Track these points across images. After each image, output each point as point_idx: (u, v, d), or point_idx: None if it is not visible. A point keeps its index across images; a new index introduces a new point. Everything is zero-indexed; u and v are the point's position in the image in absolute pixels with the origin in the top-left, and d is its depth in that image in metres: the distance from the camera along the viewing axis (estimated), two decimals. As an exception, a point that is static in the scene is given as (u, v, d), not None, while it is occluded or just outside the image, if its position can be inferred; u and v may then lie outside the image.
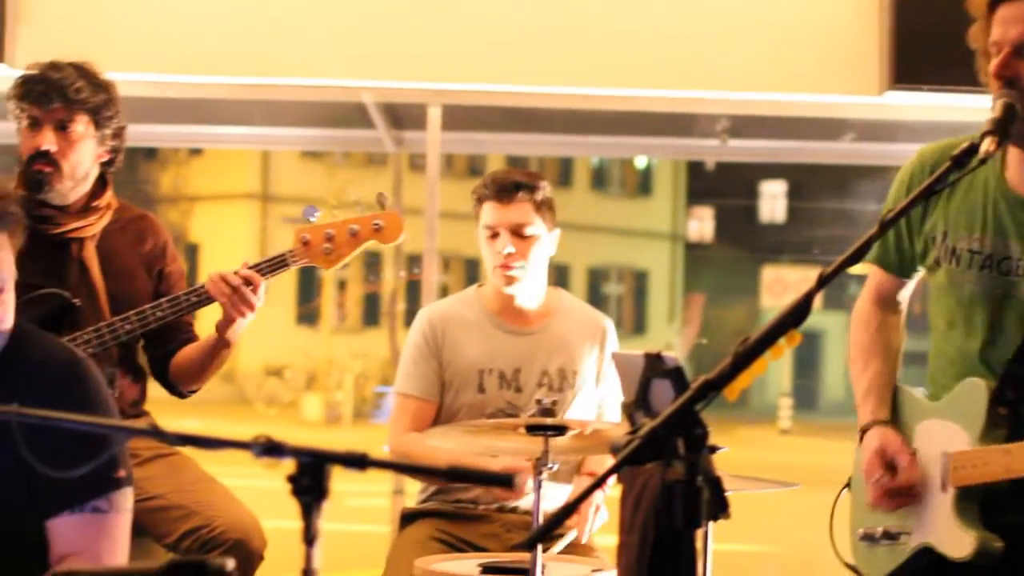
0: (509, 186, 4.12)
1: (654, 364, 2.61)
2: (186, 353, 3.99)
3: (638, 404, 2.67)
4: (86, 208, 3.92)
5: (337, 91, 5.94)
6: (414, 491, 4.46)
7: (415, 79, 5.51)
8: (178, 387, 4.03)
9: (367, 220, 3.96)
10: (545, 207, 4.16)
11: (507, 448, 3.72)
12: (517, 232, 4.11)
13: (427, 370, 4.19)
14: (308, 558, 2.01)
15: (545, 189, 4.17)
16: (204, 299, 3.81)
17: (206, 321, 3.97)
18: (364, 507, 9.47)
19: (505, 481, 1.97)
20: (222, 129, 7.20)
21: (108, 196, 3.97)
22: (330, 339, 26.53)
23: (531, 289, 4.19)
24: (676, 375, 2.56)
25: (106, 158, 3.95)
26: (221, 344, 3.88)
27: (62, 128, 3.83)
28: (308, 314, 26.57)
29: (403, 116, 6.56)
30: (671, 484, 2.35)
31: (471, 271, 23.57)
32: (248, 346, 25.92)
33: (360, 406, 23.99)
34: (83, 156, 3.87)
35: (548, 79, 5.52)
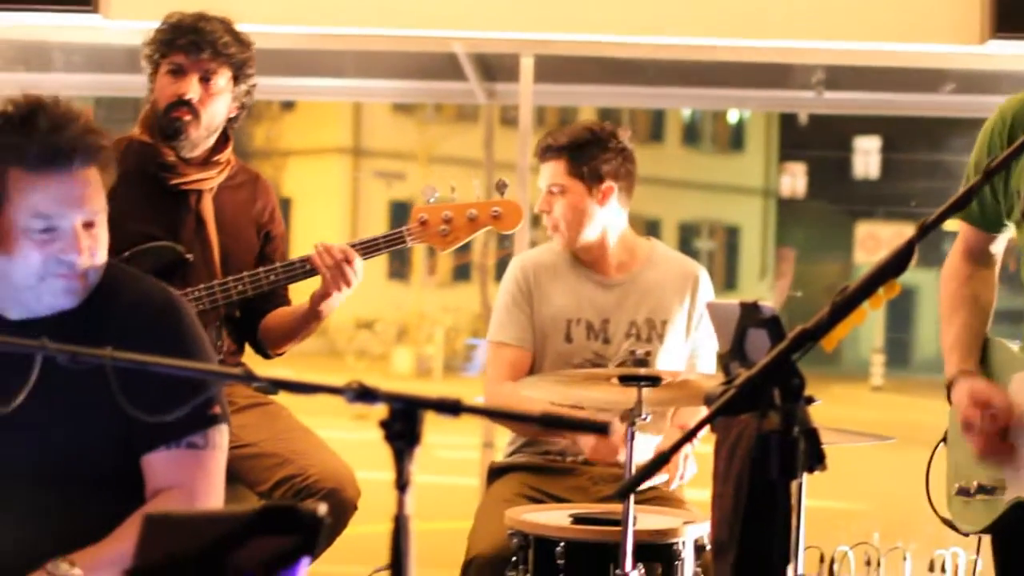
0: (542, 147, 4.18)
1: (750, 313, 2.58)
2: (277, 316, 4.00)
3: (733, 354, 2.65)
4: (207, 161, 3.94)
5: (428, 41, 5.92)
6: (504, 444, 4.46)
7: (507, 29, 5.47)
8: (265, 348, 4.05)
9: (486, 206, 3.95)
10: (578, 167, 4.13)
11: (599, 399, 3.69)
12: (551, 191, 4.14)
13: (521, 318, 4.17)
14: (400, 504, 2.00)
15: (590, 149, 4.13)
16: (317, 265, 3.83)
17: (300, 289, 3.97)
18: (454, 459, 9.50)
19: (600, 428, 1.94)
20: (313, 81, 7.22)
21: (228, 152, 4.00)
22: (421, 293, 26.58)
23: (582, 240, 4.17)
24: (772, 324, 2.53)
25: (234, 114, 3.97)
26: (312, 315, 3.89)
27: (205, 79, 3.85)
28: (399, 268, 26.62)
29: (495, 67, 6.53)
30: (767, 434, 2.32)
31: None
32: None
33: (450, 359, 24.04)
34: (219, 109, 3.90)
35: (642, 29, 5.46)
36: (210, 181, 3.94)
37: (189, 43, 3.85)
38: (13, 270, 2.74)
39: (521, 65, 5.53)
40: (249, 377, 2.18)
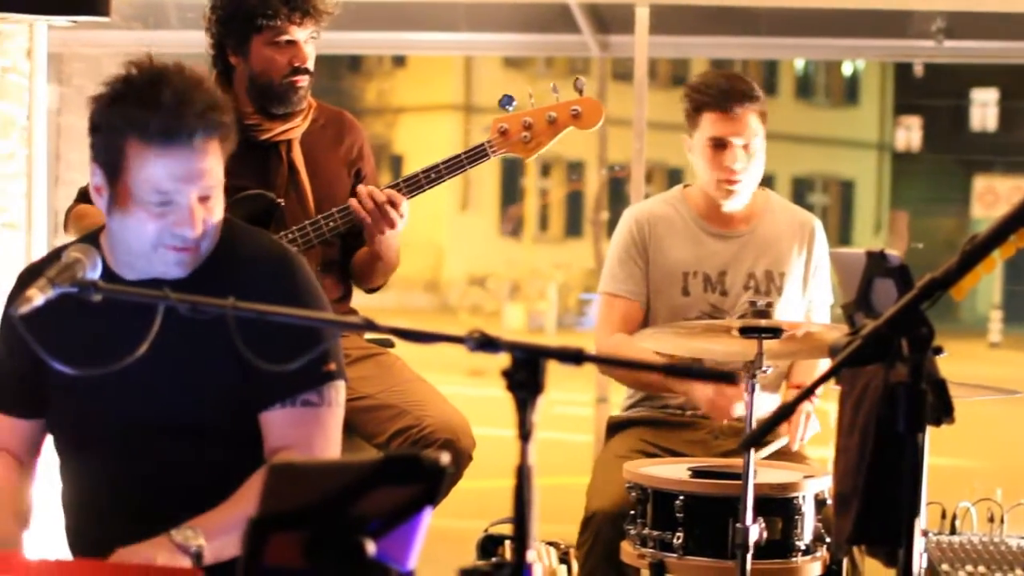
0: (738, 95, 3.98)
1: (877, 262, 2.53)
2: (359, 255, 4.00)
3: (859, 304, 2.59)
4: (289, 111, 3.94)
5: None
6: (619, 400, 4.42)
7: (622, -21, 5.42)
8: (359, 284, 4.06)
9: (565, 106, 3.89)
10: (765, 116, 4.05)
11: (718, 351, 3.65)
12: (745, 145, 4.00)
13: (634, 270, 4.12)
14: (523, 453, 1.99)
15: (762, 96, 4.05)
16: (357, 212, 3.81)
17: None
18: (569, 415, 9.50)
19: (726, 377, 1.91)
20: (425, 35, 7.20)
21: (308, 97, 3.98)
22: (533, 249, 26.62)
23: (745, 198, 4.09)
24: (900, 273, 2.48)
25: None
26: (375, 256, 3.89)
27: (307, 42, 3.86)
28: (511, 224, 26.68)
29: (608, 19, 6.48)
30: (894, 386, 2.28)
31: (674, 182, 23.39)
32: (452, 255, 26.18)
33: (563, 315, 24.06)
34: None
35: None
36: (296, 129, 3.93)
37: (297, 13, 3.83)
38: (128, 234, 2.74)
39: (636, 16, 5.45)
40: (370, 326, 2.17)
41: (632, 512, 3.60)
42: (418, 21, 6.92)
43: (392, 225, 3.77)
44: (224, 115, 2.72)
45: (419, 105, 26.66)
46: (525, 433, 1.99)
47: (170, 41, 6.30)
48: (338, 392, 2.85)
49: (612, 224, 4.93)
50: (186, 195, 2.69)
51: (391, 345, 4.05)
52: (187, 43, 6.18)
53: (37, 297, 2.37)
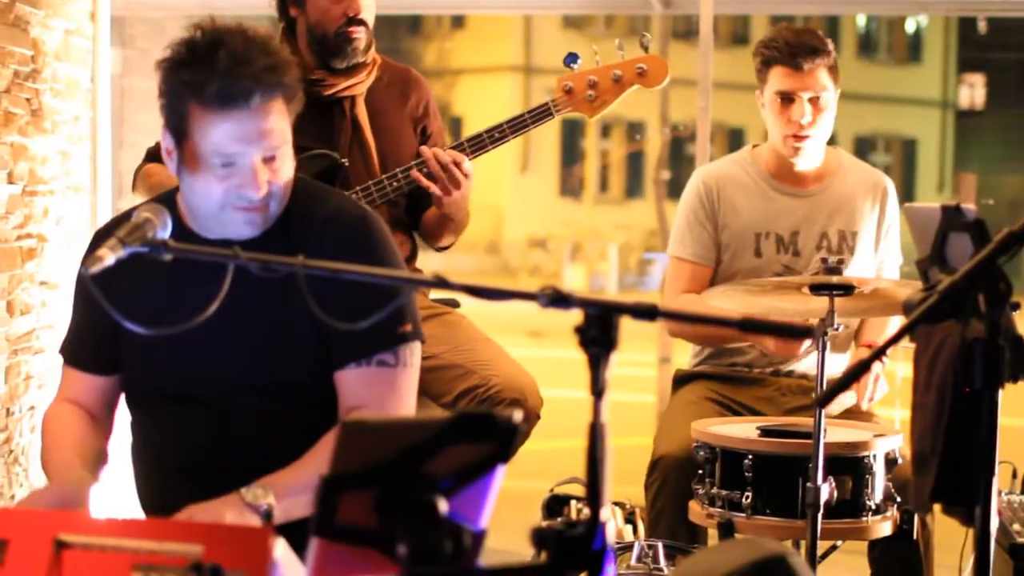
0: (806, 49, 3.92)
1: (953, 217, 2.48)
2: (428, 213, 3.99)
3: (933, 259, 2.55)
4: (353, 66, 3.91)
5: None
6: (682, 361, 4.40)
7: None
8: (428, 242, 4.04)
9: (630, 64, 3.85)
10: (836, 70, 3.99)
11: (789, 308, 3.61)
12: (813, 100, 3.94)
13: (702, 233, 4.08)
14: (596, 411, 1.96)
15: (832, 50, 3.99)
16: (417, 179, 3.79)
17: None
18: (631, 376, 9.48)
19: (803, 332, 1.88)
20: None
21: (372, 52, 3.95)
22: (593, 210, 26.55)
23: (817, 156, 4.04)
24: (977, 228, 2.43)
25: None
26: (444, 218, 3.87)
27: None
28: (571, 186, 26.61)
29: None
30: (971, 342, 2.24)
31: (734, 142, 23.23)
32: (512, 217, 26.13)
33: (624, 276, 24.02)
34: (373, 14, 3.89)
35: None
36: (360, 85, 3.91)
37: None
38: (196, 196, 2.75)
39: (701, -28, 5.39)
40: (442, 283, 2.15)
41: (700, 471, 3.57)
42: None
43: (458, 186, 3.75)
44: (285, 74, 2.70)
45: (478, 66, 26.60)
46: (598, 390, 1.96)
47: (231, 3, 6.29)
48: (413, 353, 2.84)
49: (673, 184, 4.87)
50: (249, 156, 2.68)
51: (456, 304, 4.04)
52: (248, 5, 6.18)
53: (108, 256, 2.36)
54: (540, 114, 3.82)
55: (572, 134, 26.36)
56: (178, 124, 2.71)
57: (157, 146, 3.86)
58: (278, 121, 2.70)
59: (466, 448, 1.92)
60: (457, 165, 3.74)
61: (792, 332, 1.95)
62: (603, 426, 1.97)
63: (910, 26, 30.85)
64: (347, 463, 1.88)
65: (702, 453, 3.54)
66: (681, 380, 4.16)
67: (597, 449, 1.97)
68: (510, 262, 24.72)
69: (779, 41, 3.95)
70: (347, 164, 3.82)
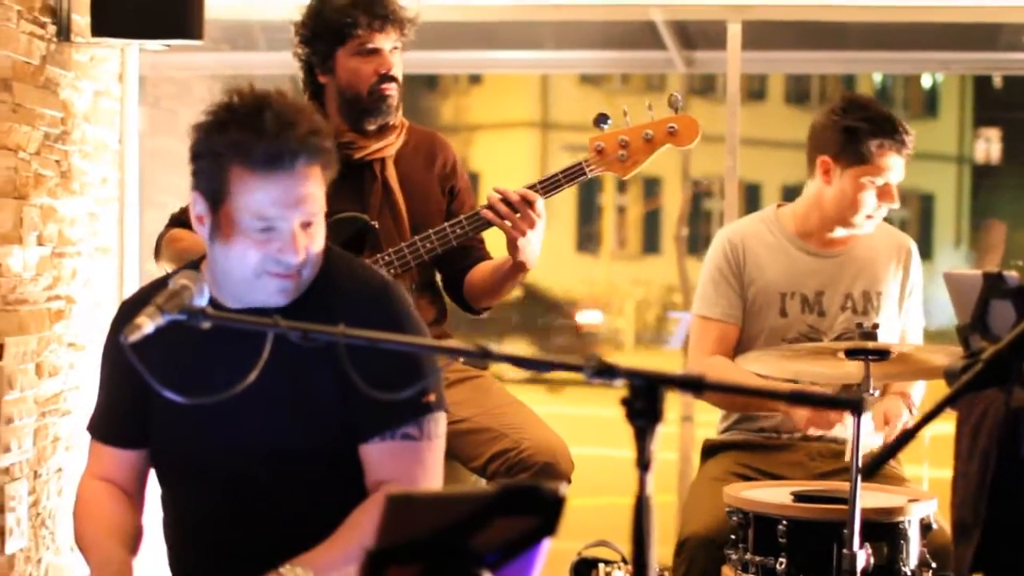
0: (906, 135, 3.96)
1: (995, 284, 2.47)
2: (480, 271, 3.96)
3: (975, 326, 2.54)
4: (383, 128, 3.92)
5: (626, 10, 5.84)
6: (703, 419, 4.38)
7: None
8: (472, 305, 4.01)
9: (661, 124, 3.86)
10: None
11: (819, 373, 3.59)
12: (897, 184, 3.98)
13: (728, 291, 4.07)
14: (642, 484, 1.95)
15: None
16: (490, 217, 3.77)
17: (495, 239, 3.93)
18: (652, 433, 9.42)
19: (854, 405, 1.86)
20: (504, 54, 7.18)
21: (400, 115, 3.96)
22: (610, 265, 26.52)
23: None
24: (1019, 295, 2.42)
25: None
26: (517, 267, 3.83)
27: (391, 50, 3.85)
28: (588, 240, 26.59)
29: (695, 35, 6.42)
30: (1016, 411, 2.23)
31: (751, 197, 23.24)
32: (530, 273, 26.08)
33: (641, 332, 23.95)
34: (401, 73, 3.90)
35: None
36: (390, 147, 3.92)
37: (382, 18, 3.82)
38: (231, 263, 2.73)
39: (728, 32, 5.39)
40: (486, 354, 2.14)
41: (733, 537, 3.54)
42: (496, 39, 6.91)
43: (531, 225, 3.71)
44: (325, 140, 2.71)
45: (495, 122, 26.65)
46: (644, 463, 1.95)
47: (258, 63, 6.32)
48: (438, 424, 2.82)
49: (692, 240, 4.86)
50: (289, 221, 2.68)
51: (486, 367, 4.02)
52: (274, 64, 6.20)
53: (147, 324, 2.36)
54: (573, 174, 3.82)
55: (589, 189, 26.40)
56: (216, 188, 2.70)
57: (181, 212, 3.88)
58: (316, 187, 2.71)
59: (512, 521, 1.91)
60: (528, 204, 3.72)
61: (843, 405, 1.93)
62: (649, 499, 1.96)
63: (926, 81, 30.90)
64: (393, 537, 1.86)
65: (735, 518, 3.52)
66: (709, 451, 4.12)
67: (644, 522, 1.96)
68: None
69: (886, 122, 3.95)
70: (377, 226, 3.82)
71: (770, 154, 24.36)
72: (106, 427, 2.95)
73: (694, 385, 1.96)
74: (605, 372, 1.99)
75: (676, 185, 22.83)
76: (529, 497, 1.90)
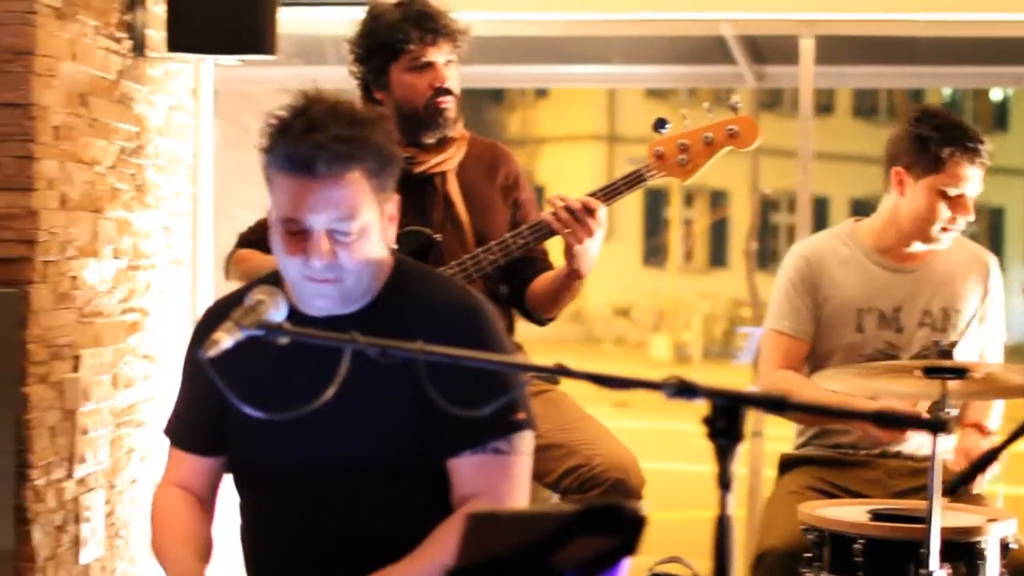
0: (981, 146, 3.93)
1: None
2: (541, 281, 3.93)
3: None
4: (442, 141, 3.91)
5: (696, 25, 5.83)
6: (772, 433, 4.34)
7: (784, 10, 5.35)
8: (535, 315, 4.00)
9: (721, 126, 3.82)
10: None
11: (896, 391, 3.56)
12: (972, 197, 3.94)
13: (801, 307, 4.03)
14: (723, 503, 1.94)
15: None
16: (552, 224, 3.75)
17: (557, 250, 3.92)
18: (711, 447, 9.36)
19: (939, 426, 1.84)
20: (572, 68, 7.19)
21: (460, 127, 3.96)
22: (677, 279, 26.47)
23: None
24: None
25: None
26: (572, 274, 3.81)
27: (446, 63, 3.85)
28: (654, 253, 26.57)
29: (765, 49, 6.40)
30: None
31: (819, 211, 23.11)
32: (596, 286, 26.10)
33: (709, 346, 23.87)
34: (458, 85, 3.90)
35: (923, 6, 5.29)
36: (451, 160, 3.90)
37: (433, 31, 3.81)
38: (281, 266, 2.74)
39: (800, 47, 5.36)
40: (564, 371, 2.13)
41: (808, 555, 3.51)
42: (566, 54, 6.91)
43: (590, 233, 3.69)
44: (359, 145, 2.65)
45: (561, 135, 26.70)
46: (725, 482, 1.94)
47: (329, 76, 6.34)
48: (526, 441, 2.81)
49: (761, 255, 4.82)
50: (310, 225, 2.65)
51: (556, 382, 4.01)
52: (346, 78, 6.24)
53: (225, 340, 2.36)
54: (633, 180, 3.79)
55: (656, 202, 26.35)
56: (271, 194, 2.72)
57: (249, 231, 3.90)
58: (352, 195, 2.65)
59: (592, 540, 1.90)
60: (590, 212, 3.69)
61: (929, 426, 1.91)
62: (729, 519, 1.95)
63: (995, 95, 30.63)
64: (473, 555, 1.85)
65: (811, 536, 3.49)
66: (786, 465, 4.09)
67: (725, 541, 1.94)
68: (594, 331, 24.65)
69: (963, 133, 3.91)
70: (440, 240, 3.82)
71: (838, 168, 24.20)
72: (184, 433, 2.96)
73: (777, 405, 1.94)
74: (685, 391, 1.98)
75: (743, 198, 22.72)
76: (611, 516, 1.89)
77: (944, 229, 3.94)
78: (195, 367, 2.88)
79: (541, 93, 26.61)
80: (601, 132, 27.16)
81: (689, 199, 27.46)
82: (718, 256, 26.89)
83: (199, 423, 2.92)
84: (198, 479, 2.93)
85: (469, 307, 2.83)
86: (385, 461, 2.77)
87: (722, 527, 1.94)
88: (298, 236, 2.66)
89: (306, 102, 2.67)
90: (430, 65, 3.83)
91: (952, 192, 3.91)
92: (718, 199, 26.73)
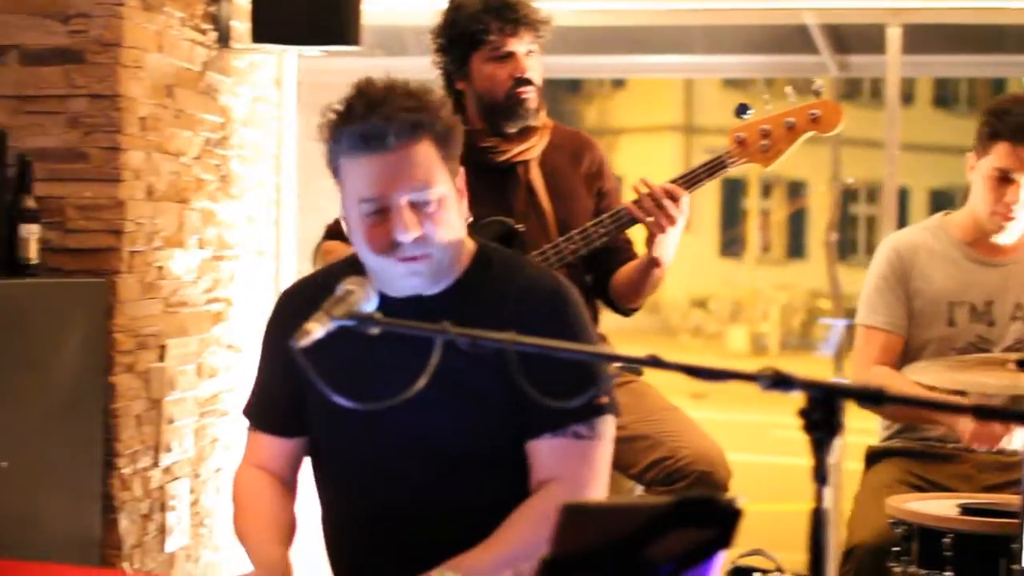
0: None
1: None
2: (624, 271, 3.91)
3: None
4: (524, 131, 3.90)
5: (779, 14, 5.78)
6: (853, 426, 4.29)
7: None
8: (619, 305, 3.98)
9: (803, 111, 3.78)
10: None
11: (989, 384, 3.51)
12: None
13: (893, 301, 3.99)
14: (819, 497, 1.91)
15: None
16: (634, 212, 3.73)
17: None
18: (791, 439, 9.30)
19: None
20: (651, 58, 7.15)
21: (543, 116, 3.94)
22: (754, 270, 26.31)
23: (1017, 233, 3.94)
24: None
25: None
26: (651, 263, 3.78)
27: (527, 52, 3.84)
28: (732, 244, 26.40)
29: (848, 38, 6.34)
30: None
31: (899, 202, 22.90)
32: (673, 277, 25.98)
33: (786, 337, 23.71)
34: (540, 75, 3.88)
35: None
36: (533, 149, 3.89)
37: (514, 21, 3.80)
38: (364, 256, 2.72)
39: (887, 36, 5.30)
40: (656, 362, 2.11)
41: (896, 549, 3.48)
42: (645, 44, 6.87)
43: (672, 221, 3.66)
44: (425, 113, 2.64)
45: (639, 126, 26.57)
46: (822, 476, 1.92)
47: (410, 67, 6.33)
48: (608, 426, 2.79)
49: (841, 246, 4.77)
50: (392, 200, 2.63)
51: (640, 372, 3.99)
52: (425, 69, 6.23)
53: (316, 330, 2.36)
54: (714, 167, 3.75)
55: (733, 193, 26.20)
56: (339, 185, 2.71)
57: (335, 223, 3.91)
58: (426, 164, 2.65)
59: (687, 532, 1.88)
60: (673, 199, 3.66)
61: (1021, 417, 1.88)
62: (826, 513, 1.92)
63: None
64: (568, 546, 1.84)
65: (899, 530, 3.45)
66: (873, 457, 4.05)
67: (821, 536, 1.92)
68: (670, 322, 24.53)
69: (1011, 115, 3.84)
70: (523, 229, 3.81)
71: (918, 158, 23.99)
72: (263, 414, 2.95)
73: (874, 397, 1.92)
74: (781, 383, 1.95)
75: (820, 188, 22.55)
76: (706, 509, 1.88)
77: (1001, 216, 3.87)
78: (272, 348, 2.89)
79: (618, 83, 26.51)
80: (678, 122, 27.04)
81: (767, 189, 27.28)
82: (796, 247, 26.69)
83: (278, 404, 2.91)
84: (278, 460, 2.92)
85: (554, 291, 2.81)
86: (470, 448, 2.76)
87: (818, 521, 1.92)
88: (378, 217, 2.65)
89: (360, 86, 2.66)
90: (511, 55, 3.82)
91: (1004, 175, 3.83)
92: (796, 190, 26.52)
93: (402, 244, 2.65)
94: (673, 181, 3.70)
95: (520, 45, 3.82)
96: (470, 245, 2.83)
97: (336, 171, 2.70)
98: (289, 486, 2.95)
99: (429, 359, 2.46)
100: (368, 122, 2.60)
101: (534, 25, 3.83)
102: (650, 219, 3.66)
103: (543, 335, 2.35)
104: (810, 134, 3.79)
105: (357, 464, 2.84)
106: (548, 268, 2.90)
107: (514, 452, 2.78)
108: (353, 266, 2.77)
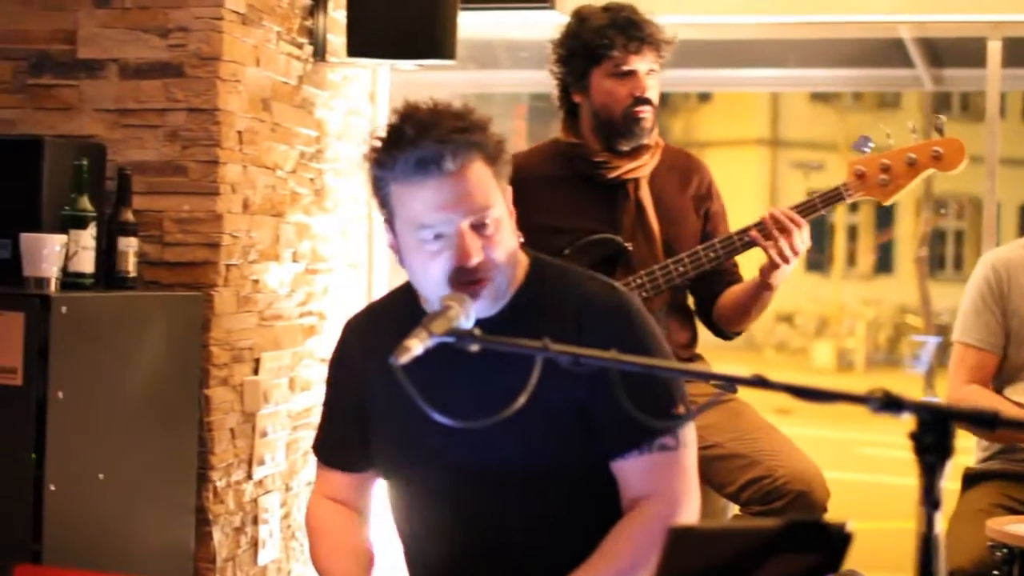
0: None
1: None
2: (730, 295, 3.90)
3: None
4: (637, 148, 3.88)
5: (874, 27, 5.73)
6: (958, 444, 4.23)
7: (969, 11, 5.22)
8: (723, 329, 3.96)
9: (926, 148, 3.74)
10: None
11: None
12: None
13: (990, 319, 3.94)
14: (930, 522, 1.88)
15: None
16: (757, 240, 3.71)
17: (748, 262, 3.88)
18: (877, 456, 9.21)
19: None
20: (738, 72, 7.11)
21: (656, 135, 3.92)
22: (841, 285, 26.09)
23: None
24: None
25: None
26: (764, 287, 3.76)
27: (648, 72, 3.83)
28: (818, 261, 26.20)
29: (943, 52, 6.28)
30: None
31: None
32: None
33: (872, 353, 23.50)
34: (658, 94, 3.88)
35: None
36: (644, 167, 3.87)
37: (638, 40, 3.79)
38: (420, 283, 2.68)
39: (988, 49, 5.22)
40: (761, 382, 2.08)
41: (995, 573, 3.42)
42: (734, 58, 6.84)
43: (796, 251, 3.66)
44: (476, 134, 2.60)
45: (725, 140, 26.44)
46: (933, 500, 1.88)
47: (501, 81, 6.37)
48: (690, 433, 2.76)
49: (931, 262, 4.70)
50: (453, 224, 2.58)
51: (735, 391, 3.96)
52: (518, 82, 6.25)
53: (416, 346, 2.34)
54: (831, 198, 3.74)
55: (819, 208, 26.03)
56: (388, 214, 2.66)
57: None
58: (482, 184, 2.61)
59: (796, 557, 1.86)
60: (797, 225, 3.65)
61: None
62: (937, 538, 1.89)
63: None
64: (674, 570, 1.82)
65: (999, 553, 3.39)
66: (970, 480, 3.99)
67: (932, 563, 1.89)
68: (755, 337, 24.35)
69: None
70: (631, 248, 3.79)
71: (1010, 172, 23.69)
72: (328, 450, 2.92)
73: (988, 422, 1.88)
74: (892, 405, 1.92)
75: (908, 205, 22.35)
76: (815, 533, 1.85)
77: None
78: (338, 376, 2.88)
79: (704, 97, 26.43)
80: (764, 136, 26.88)
81: (854, 206, 27.12)
82: (884, 262, 26.45)
83: (342, 441, 2.88)
84: (347, 492, 2.90)
85: (620, 303, 2.76)
86: (546, 468, 2.71)
87: (929, 546, 1.88)
88: (436, 241, 2.60)
89: (406, 111, 2.61)
90: (632, 73, 3.81)
91: None
92: (885, 209, 26.34)
93: (465, 269, 2.61)
94: (802, 204, 3.70)
95: (642, 63, 3.81)
96: (523, 260, 2.79)
97: (384, 199, 2.65)
98: (364, 514, 2.93)
99: (496, 377, 2.44)
100: (420, 147, 2.55)
101: (658, 44, 3.83)
102: (772, 247, 3.64)
103: (616, 348, 2.29)
104: (931, 171, 3.76)
105: (425, 486, 2.79)
106: (602, 278, 2.83)
107: (589, 471, 2.74)
108: (405, 296, 2.76)
